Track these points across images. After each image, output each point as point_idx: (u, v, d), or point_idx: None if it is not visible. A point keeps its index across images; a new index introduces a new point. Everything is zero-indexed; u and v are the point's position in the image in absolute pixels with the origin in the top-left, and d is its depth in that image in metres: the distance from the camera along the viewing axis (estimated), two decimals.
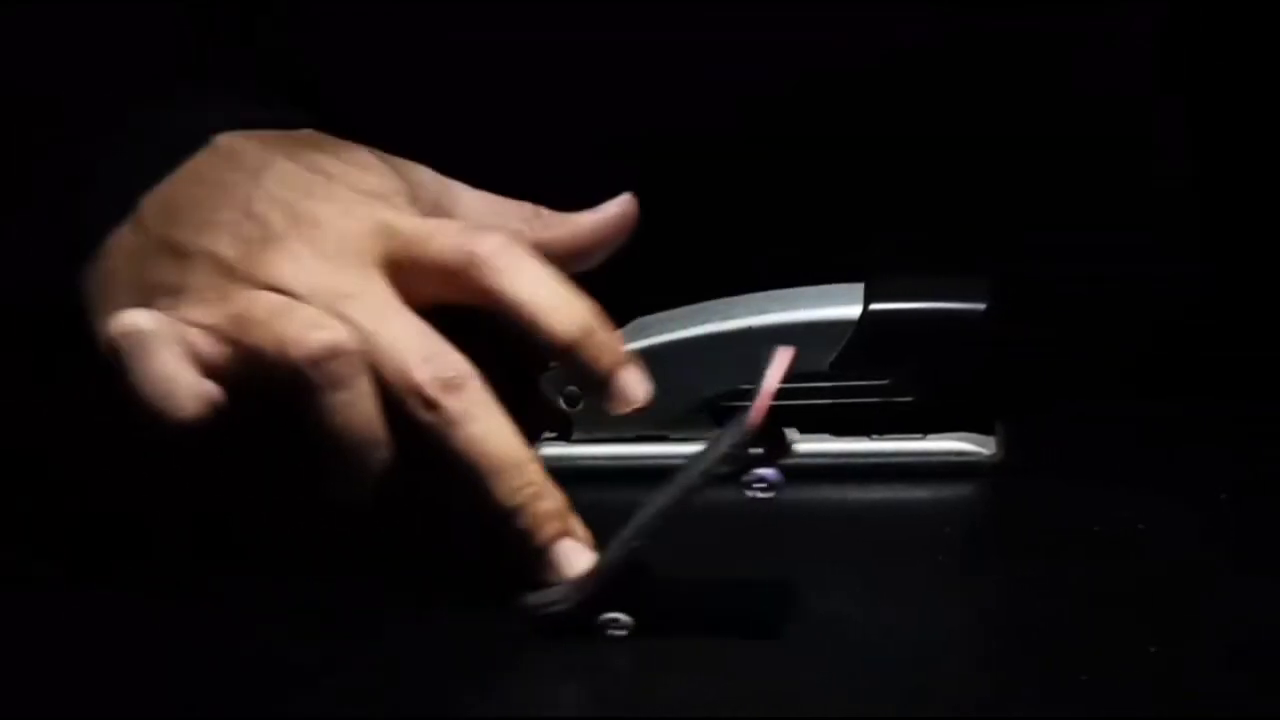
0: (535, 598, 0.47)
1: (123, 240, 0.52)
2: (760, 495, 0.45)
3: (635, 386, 0.50)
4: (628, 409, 0.50)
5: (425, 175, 0.56)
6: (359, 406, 0.48)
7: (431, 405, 0.48)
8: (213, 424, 0.48)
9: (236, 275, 0.50)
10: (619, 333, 0.51)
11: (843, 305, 0.57)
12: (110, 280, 0.52)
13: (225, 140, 0.53)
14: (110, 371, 0.49)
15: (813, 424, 0.58)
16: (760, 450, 0.45)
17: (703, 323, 0.58)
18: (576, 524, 0.48)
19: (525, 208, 0.56)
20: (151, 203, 0.52)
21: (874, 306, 0.57)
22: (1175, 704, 0.42)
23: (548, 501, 0.48)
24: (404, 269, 0.50)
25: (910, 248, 0.68)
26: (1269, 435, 0.61)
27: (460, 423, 0.47)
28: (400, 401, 0.48)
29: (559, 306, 0.49)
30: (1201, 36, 0.72)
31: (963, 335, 0.56)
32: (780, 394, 0.57)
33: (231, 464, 0.53)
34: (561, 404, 0.58)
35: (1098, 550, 0.51)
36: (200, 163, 0.53)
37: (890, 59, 0.70)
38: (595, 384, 0.50)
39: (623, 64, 0.68)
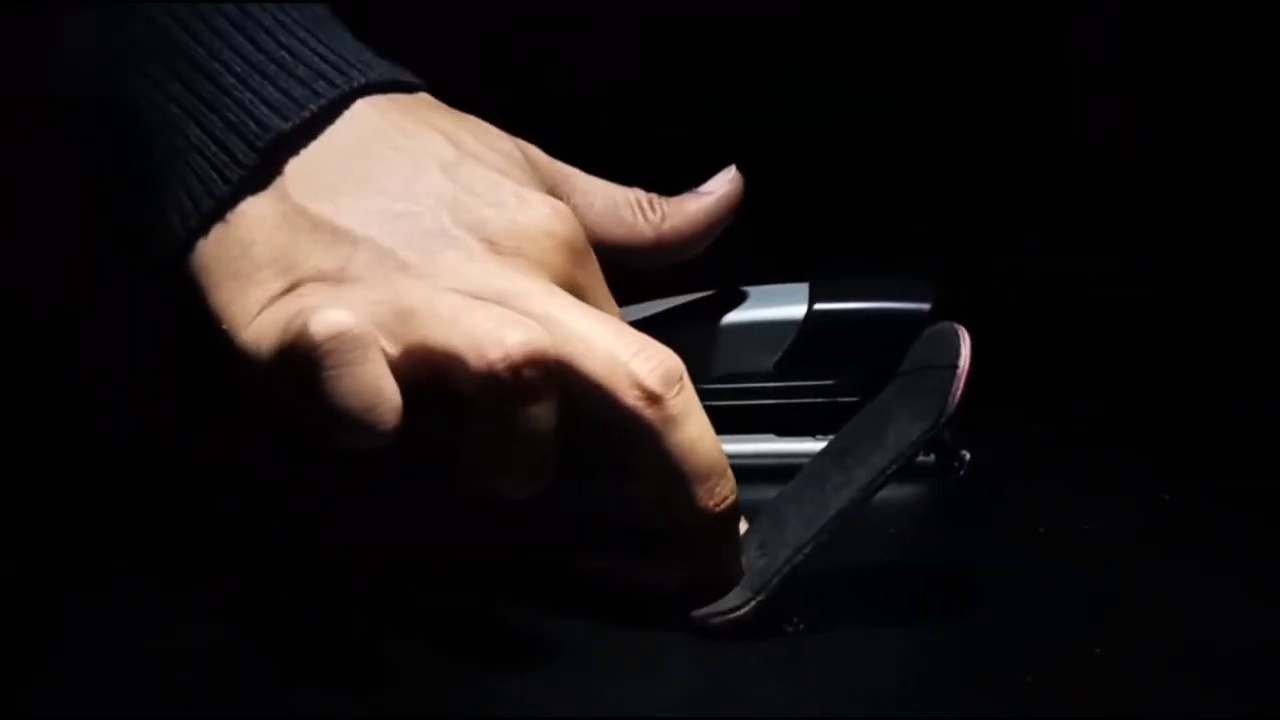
0: (712, 607, 0.45)
1: (260, 208, 0.46)
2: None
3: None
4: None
5: (542, 158, 0.51)
6: (546, 415, 0.43)
7: (655, 400, 0.44)
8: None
9: (408, 271, 0.45)
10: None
11: (787, 305, 0.57)
12: (244, 253, 0.46)
13: (365, 108, 0.47)
14: (296, 373, 0.43)
15: (757, 424, 0.58)
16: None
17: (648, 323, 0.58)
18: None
19: (636, 195, 0.53)
20: (295, 171, 0.46)
21: (818, 306, 0.57)
22: (1120, 705, 0.42)
23: (737, 509, 0.46)
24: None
25: (857, 247, 0.68)
26: (1211, 436, 0.61)
27: (680, 421, 0.44)
28: (609, 396, 0.44)
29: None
30: (1157, 38, 0.72)
31: (907, 335, 0.56)
32: (723, 394, 0.57)
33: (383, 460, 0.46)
34: None
35: (1043, 551, 0.51)
36: (346, 131, 0.47)
37: (842, 55, 0.70)
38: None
39: (576, 60, 0.68)
